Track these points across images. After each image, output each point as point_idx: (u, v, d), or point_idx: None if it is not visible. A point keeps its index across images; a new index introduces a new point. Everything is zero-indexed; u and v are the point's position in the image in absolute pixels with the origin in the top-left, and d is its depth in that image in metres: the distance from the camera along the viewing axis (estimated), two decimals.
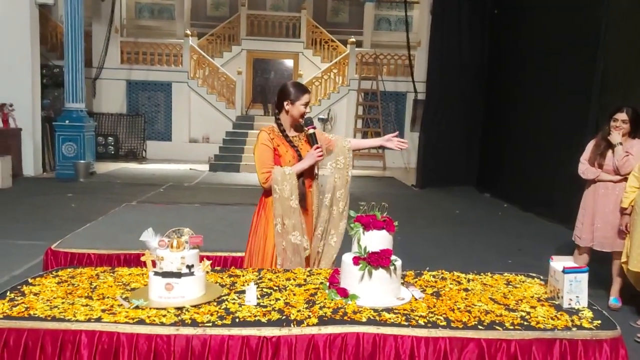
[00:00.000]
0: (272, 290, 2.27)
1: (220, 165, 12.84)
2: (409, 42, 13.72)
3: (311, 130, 2.84)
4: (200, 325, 1.91)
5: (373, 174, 12.86)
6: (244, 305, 2.10)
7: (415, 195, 9.85)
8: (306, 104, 2.84)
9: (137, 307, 2.04)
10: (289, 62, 16.83)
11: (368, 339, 1.89)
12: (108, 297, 2.16)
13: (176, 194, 8.79)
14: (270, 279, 2.43)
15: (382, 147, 3.11)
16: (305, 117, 2.86)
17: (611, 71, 6.44)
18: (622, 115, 3.91)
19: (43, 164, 11.12)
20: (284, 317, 1.99)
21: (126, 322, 1.92)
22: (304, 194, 2.87)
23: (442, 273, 2.60)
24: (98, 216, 4.75)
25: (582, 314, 2.06)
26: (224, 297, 2.18)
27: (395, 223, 2.26)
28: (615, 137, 3.89)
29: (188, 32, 15.25)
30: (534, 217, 7.63)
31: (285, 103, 2.84)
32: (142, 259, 2.24)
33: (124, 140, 14.38)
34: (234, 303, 2.12)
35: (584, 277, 2.13)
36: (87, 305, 2.06)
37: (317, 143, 2.84)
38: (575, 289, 2.12)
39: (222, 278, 2.45)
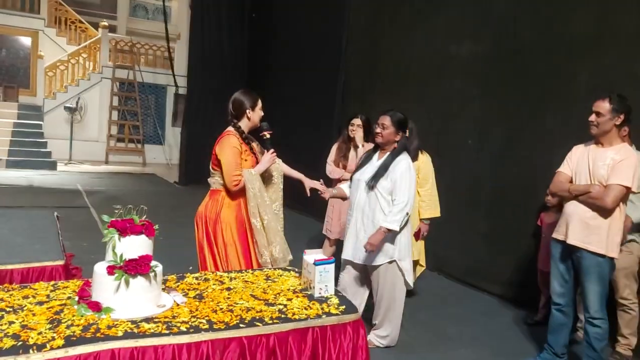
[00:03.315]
0: (3, 313, 1.93)
1: None
2: (167, 33, 13.30)
3: (267, 135, 3.15)
4: None
5: (132, 170, 12.12)
6: None
7: (177, 193, 9.62)
8: (262, 108, 3.16)
9: None
10: (25, 40, 14.59)
11: (124, 354, 1.75)
12: None
13: None
14: (2, 299, 2.06)
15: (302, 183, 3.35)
16: (262, 122, 3.16)
17: (351, 81, 7.34)
18: (357, 120, 4.51)
19: None
20: (20, 342, 1.70)
21: None
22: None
23: (205, 274, 2.58)
24: None
25: (330, 301, 2.28)
26: None
27: (156, 227, 2.15)
28: (358, 140, 4.46)
29: None
30: (290, 211, 8.19)
31: (247, 111, 3.11)
32: None
33: None
34: None
35: (332, 267, 2.37)
36: None
37: (272, 147, 3.13)
38: (325, 279, 2.34)
39: None
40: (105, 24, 14.52)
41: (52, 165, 11.69)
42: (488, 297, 4.76)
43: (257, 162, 3.11)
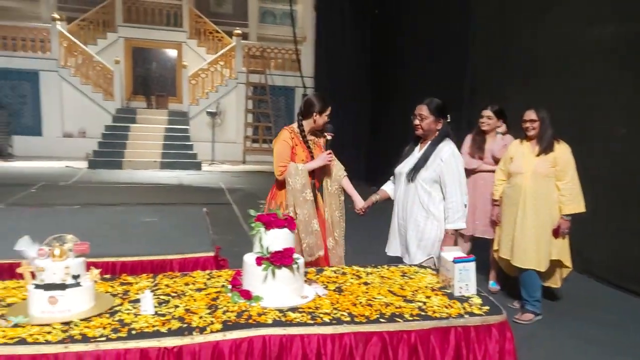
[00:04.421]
0: (170, 297, 2.16)
1: (100, 162, 12.02)
2: (295, 37, 13.84)
3: (329, 137, 3.35)
4: (92, 340, 1.75)
5: (267, 169, 12.79)
6: (139, 315, 1.96)
7: None
8: (329, 115, 3.36)
9: (16, 325, 1.82)
10: (172, 52, 16.17)
11: (274, 341, 1.86)
12: None
13: (51, 195, 8.04)
14: (167, 285, 2.31)
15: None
16: (328, 124, 3.35)
17: (479, 73, 7.03)
18: (487, 112, 4.33)
19: None
20: (185, 325, 1.89)
21: (4, 343, 1.70)
22: (315, 193, 3.31)
23: (342, 268, 2.65)
24: None
25: (472, 300, 2.21)
26: (117, 308, 2.03)
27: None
28: (493, 133, 4.30)
29: (56, 15, 13.99)
30: None
31: (314, 113, 3.31)
32: (19, 270, 2.00)
33: None
34: (128, 313, 1.97)
35: (472, 266, 2.29)
36: None
37: (330, 149, 3.32)
38: (465, 278, 2.27)
39: (112, 287, 2.28)
40: (239, 32, 15.49)
41: (198, 166, 12.81)
42: None
43: (312, 159, 3.30)
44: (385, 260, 3.01)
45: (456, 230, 3.01)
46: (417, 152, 3.18)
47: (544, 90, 5.49)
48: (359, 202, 3.38)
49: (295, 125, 3.38)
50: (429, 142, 3.11)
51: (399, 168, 3.24)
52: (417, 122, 3.13)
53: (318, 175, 3.38)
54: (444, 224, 3.01)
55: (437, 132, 3.10)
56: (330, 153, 3.31)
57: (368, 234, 5.97)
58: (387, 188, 3.41)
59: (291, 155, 3.26)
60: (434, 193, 3.03)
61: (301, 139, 3.34)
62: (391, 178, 3.39)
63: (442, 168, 2.99)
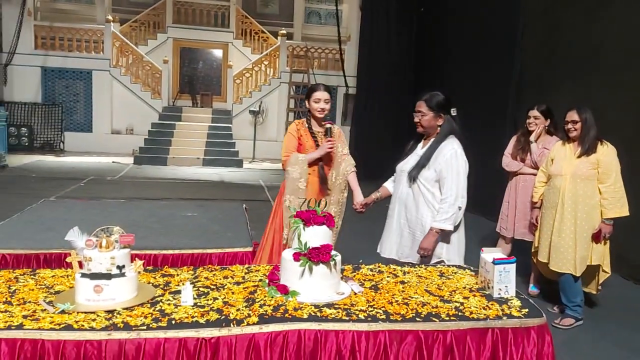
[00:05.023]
0: (209, 290, 2.21)
1: (146, 158, 12.38)
2: (340, 36, 13.84)
3: (328, 125, 3.37)
4: (133, 328, 1.82)
5: None
6: (180, 306, 2.02)
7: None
8: (318, 100, 3.29)
9: (63, 312, 1.91)
10: (218, 52, 16.48)
11: (310, 335, 1.88)
12: (30, 302, 2.00)
13: (99, 189, 8.36)
14: (206, 278, 2.36)
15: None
16: (325, 113, 3.35)
17: (527, 71, 6.83)
18: (534, 112, 4.20)
19: None
20: (222, 317, 1.93)
21: (51, 329, 1.79)
22: (325, 177, 3.36)
23: (379, 266, 2.64)
24: (12, 213, 4.39)
25: (511, 303, 2.16)
26: (158, 298, 2.09)
27: (336, 218, 2.27)
28: (532, 136, 4.18)
29: (109, 17, 14.52)
30: None
31: (306, 101, 3.37)
32: (68, 259, 2.10)
33: (39, 131, 13.49)
34: (169, 304, 2.03)
35: (512, 267, 2.24)
36: (6, 311, 1.90)
37: (331, 137, 3.30)
38: (505, 279, 2.22)
39: (155, 278, 2.35)
40: (284, 32, 15.63)
41: (239, 163, 13.01)
42: None
43: (317, 148, 3.33)
44: (379, 261, 2.84)
45: (442, 230, 2.86)
46: (420, 150, 3.05)
47: (597, 88, 5.28)
48: (358, 197, 3.27)
49: (304, 118, 3.46)
50: (432, 139, 2.99)
51: (401, 165, 3.10)
52: (416, 119, 3.01)
53: (327, 162, 3.38)
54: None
55: (439, 129, 2.97)
56: (329, 141, 3.27)
57: (366, 233, 5.91)
58: (389, 185, 3.28)
59: (298, 147, 3.33)
60: (437, 193, 2.91)
61: (307, 129, 3.38)
62: (394, 175, 3.24)
63: (441, 167, 2.87)
